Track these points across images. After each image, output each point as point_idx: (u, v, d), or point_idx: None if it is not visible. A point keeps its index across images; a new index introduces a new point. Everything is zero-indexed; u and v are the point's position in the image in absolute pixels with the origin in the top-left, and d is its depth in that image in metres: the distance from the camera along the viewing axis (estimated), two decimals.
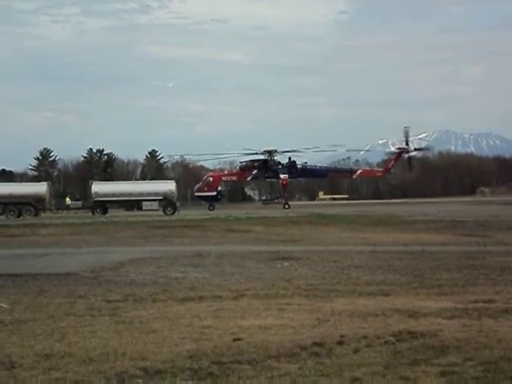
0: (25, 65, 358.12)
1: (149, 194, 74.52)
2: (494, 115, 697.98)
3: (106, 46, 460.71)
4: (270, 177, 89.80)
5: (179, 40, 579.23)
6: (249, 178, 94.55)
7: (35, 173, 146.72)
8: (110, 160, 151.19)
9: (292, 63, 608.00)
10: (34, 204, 72.20)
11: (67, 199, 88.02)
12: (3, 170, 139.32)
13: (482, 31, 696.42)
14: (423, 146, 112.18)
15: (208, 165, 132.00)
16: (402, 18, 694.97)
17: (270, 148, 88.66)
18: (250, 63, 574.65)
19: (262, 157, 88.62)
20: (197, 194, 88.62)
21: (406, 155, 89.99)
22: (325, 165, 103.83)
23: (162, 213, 70.85)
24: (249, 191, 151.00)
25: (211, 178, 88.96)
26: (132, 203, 76.75)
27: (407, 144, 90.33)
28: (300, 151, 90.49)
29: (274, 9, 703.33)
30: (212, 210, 80.00)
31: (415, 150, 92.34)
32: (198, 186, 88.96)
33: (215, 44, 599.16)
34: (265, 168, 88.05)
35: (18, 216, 69.86)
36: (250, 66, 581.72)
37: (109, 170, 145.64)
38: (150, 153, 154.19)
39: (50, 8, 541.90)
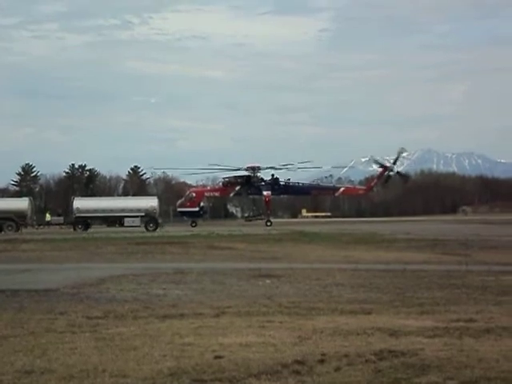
0: (5, 80, 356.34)
1: (131, 210, 74.31)
2: (477, 135, 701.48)
3: (87, 61, 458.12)
4: (253, 193, 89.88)
5: (160, 56, 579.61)
6: (231, 194, 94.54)
7: (17, 188, 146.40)
8: (92, 176, 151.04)
9: (274, 80, 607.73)
10: (15, 219, 71.93)
11: (47, 215, 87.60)
12: None
13: (466, 50, 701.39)
14: (405, 164, 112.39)
15: (190, 181, 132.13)
16: (384, 36, 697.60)
17: (253, 164, 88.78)
18: (231, 80, 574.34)
19: (245, 173, 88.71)
20: (179, 209, 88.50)
21: (387, 173, 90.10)
22: (308, 182, 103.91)
23: (144, 229, 70.77)
24: (231, 208, 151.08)
25: (194, 194, 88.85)
26: (114, 219, 76.51)
27: (395, 163, 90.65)
28: (283, 168, 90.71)
29: (254, 26, 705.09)
30: (194, 226, 79.88)
31: (397, 173, 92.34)
32: (180, 201, 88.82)
33: (196, 61, 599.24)
34: (248, 184, 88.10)
35: None
36: (231, 83, 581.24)
37: (91, 185, 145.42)
38: (132, 169, 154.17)
39: (30, 23, 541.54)
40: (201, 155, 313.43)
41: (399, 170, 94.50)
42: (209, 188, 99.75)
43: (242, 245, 41.17)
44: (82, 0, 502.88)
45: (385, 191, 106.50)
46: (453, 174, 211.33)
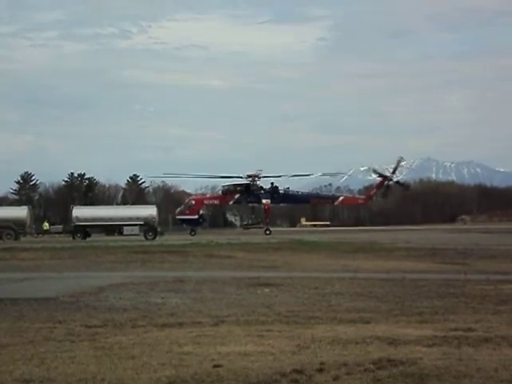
0: (4, 88, 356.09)
1: (130, 219, 74.35)
2: (476, 143, 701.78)
3: (85, 70, 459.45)
4: (252, 201, 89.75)
5: (159, 65, 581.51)
6: (231, 202, 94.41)
7: (16, 197, 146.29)
8: (91, 184, 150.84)
9: (273, 89, 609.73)
10: (14, 228, 71.91)
11: (45, 223, 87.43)
12: None
13: (464, 59, 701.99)
14: (404, 173, 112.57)
15: (190, 189, 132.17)
16: (383, 45, 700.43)
17: (252, 172, 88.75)
18: (230, 89, 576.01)
19: (244, 181, 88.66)
20: (178, 217, 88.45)
21: (386, 183, 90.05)
22: (307, 190, 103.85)
23: (143, 238, 70.73)
24: (230, 217, 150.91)
25: (193, 201, 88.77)
26: (113, 228, 76.58)
27: (394, 173, 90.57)
28: (282, 176, 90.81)
29: (253, 35, 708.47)
30: (193, 235, 79.70)
31: (397, 182, 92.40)
32: (179, 209, 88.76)
33: (195, 69, 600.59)
34: (247, 192, 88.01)
35: None
36: (230, 92, 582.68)
37: (90, 194, 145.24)
38: (131, 177, 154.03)
39: (28, 32, 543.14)
40: (200, 163, 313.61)
41: (398, 179, 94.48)
42: (208, 196, 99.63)
43: (240, 253, 41.13)
44: (81, 9, 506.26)
45: (384, 200, 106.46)
46: (452, 183, 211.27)
